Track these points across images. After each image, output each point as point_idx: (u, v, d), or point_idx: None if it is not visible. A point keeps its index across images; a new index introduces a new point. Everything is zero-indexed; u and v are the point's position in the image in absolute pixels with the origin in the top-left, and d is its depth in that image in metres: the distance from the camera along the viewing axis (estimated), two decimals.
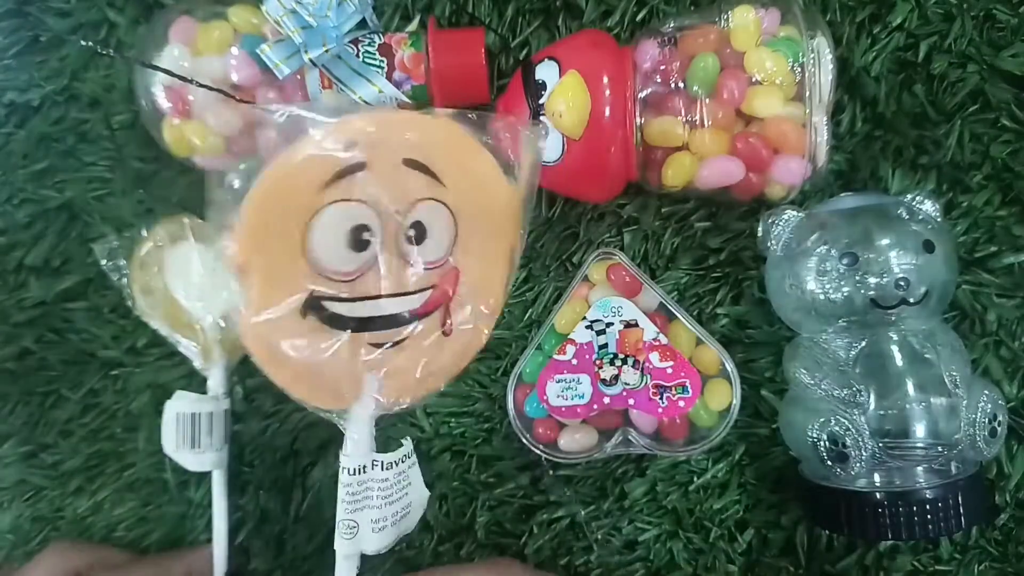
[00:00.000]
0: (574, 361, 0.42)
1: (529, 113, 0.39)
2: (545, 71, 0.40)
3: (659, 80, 0.39)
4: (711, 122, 0.38)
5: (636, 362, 0.41)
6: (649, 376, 0.41)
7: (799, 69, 0.37)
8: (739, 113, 0.38)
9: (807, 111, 0.37)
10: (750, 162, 0.38)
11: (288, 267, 0.29)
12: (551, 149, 0.39)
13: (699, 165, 0.39)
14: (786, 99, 0.37)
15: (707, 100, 0.38)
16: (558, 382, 0.42)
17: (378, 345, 0.31)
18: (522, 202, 0.35)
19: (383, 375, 0.31)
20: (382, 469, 0.31)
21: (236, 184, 0.27)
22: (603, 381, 0.41)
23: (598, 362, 0.42)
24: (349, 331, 0.30)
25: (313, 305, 0.30)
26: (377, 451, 0.32)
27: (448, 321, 0.33)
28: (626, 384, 0.41)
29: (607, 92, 0.38)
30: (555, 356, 0.42)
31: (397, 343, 0.31)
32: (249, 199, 0.28)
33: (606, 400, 0.41)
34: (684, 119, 0.38)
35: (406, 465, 0.32)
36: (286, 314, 0.29)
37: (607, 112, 0.38)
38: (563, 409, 0.42)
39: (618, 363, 0.42)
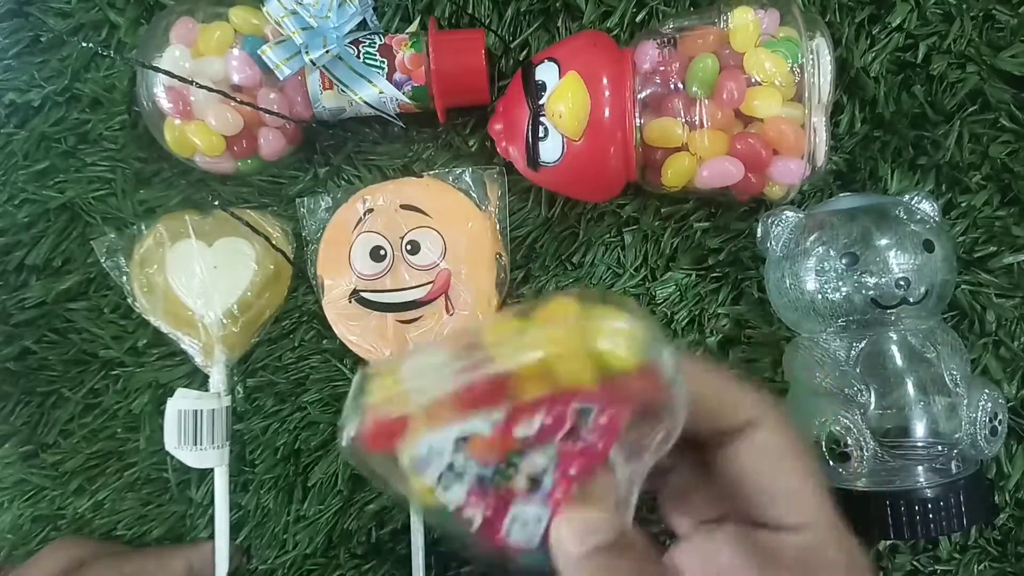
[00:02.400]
0: None
1: (529, 114, 0.39)
2: (545, 72, 0.39)
3: (658, 81, 0.39)
4: (710, 123, 0.38)
5: None
6: None
7: (798, 70, 0.37)
8: (738, 114, 0.38)
9: (806, 112, 0.37)
10: (749, 162, 0.38)
11: (341, 274, 0.46)
12: (551, 150, 0.39)
13: (698, 166, 0.39)
14: (785, 100, 0.38)
15: (706, 101, 0.38)
16: None
17: (403, 322, 0.45)
18: (495, 222, 0.46)
19: (413, 342, 0.45)
20: None
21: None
22: None
23: None
24: (380, 312, 0.46)
25: (355, 295, 0.45)
26: None
27: (450, 306, 0.45)
28: None
29: (607, 93, 0.38)
30: None
31: (415, 320, 0.45)
32: (322, 241, 0.46)
33: None
34: (683, 120, 0.38)
35: None
36: (341, 299, 0.46)
37: (607, 113, 0.38)
38: None
39: None
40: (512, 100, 0.41)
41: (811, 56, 0.37)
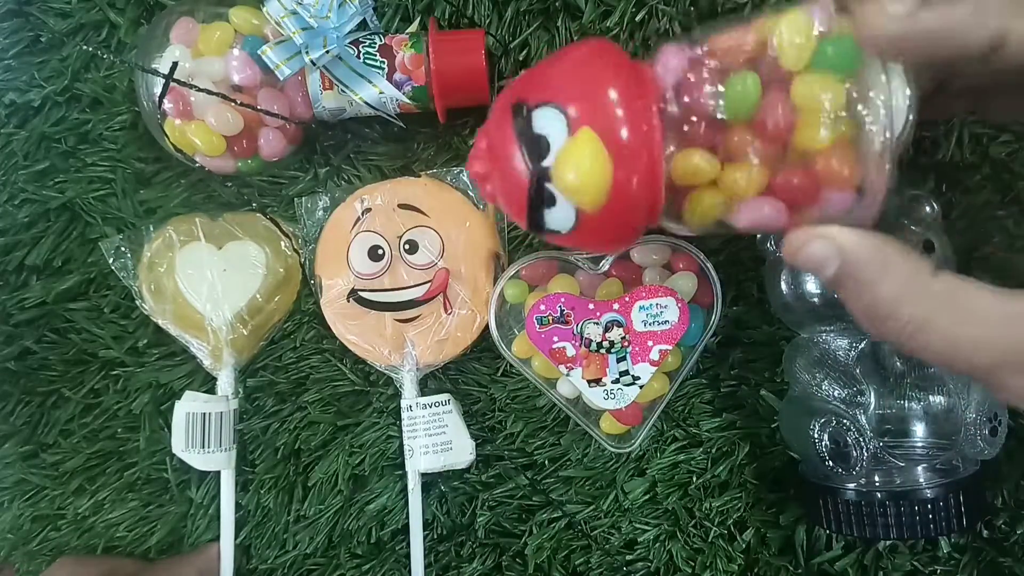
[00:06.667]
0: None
1: (529, 176, 0.30)
2: (547, 123, 0.30)
3: (686, 100, 0.30)
4: (749, 155, 0.29)
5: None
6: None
7: (855, 87, 0.28)
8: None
9: (866, 134, 0.28)
10: (792, 202, 0.30)
11: (339, 273, 0.46)
12: (560, 219, 0.31)
13: (734, 205, 0.30)
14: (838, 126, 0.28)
15: (744, 129, 0.29)
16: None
17: (402, 321, 0.45)
18: (493, 221, 0.46)
19: (411, 341, 0.45)
20: (423, 408, 0.45)
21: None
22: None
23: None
24: (379, 311, 0.46)
25: (354, 295, 0.46)
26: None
27: (448, 305, 0.45)
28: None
29: (634, 154, 0.29)
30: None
31: (413, 319, 0.45)
32: (320, 241, 0.47)
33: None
34: (712, 153, 0.30)
35: (441, 410, 0.45)
36: (339, 299, 0.46)
37: (635, 182, 0.29)
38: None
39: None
40: (500, 143, 0.31)
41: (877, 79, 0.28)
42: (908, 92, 0.29)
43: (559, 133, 0.30)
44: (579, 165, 0.29)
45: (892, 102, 0.28)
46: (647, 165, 0.29)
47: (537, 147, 0.30)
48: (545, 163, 0.30)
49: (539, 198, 0.31)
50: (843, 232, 0.29)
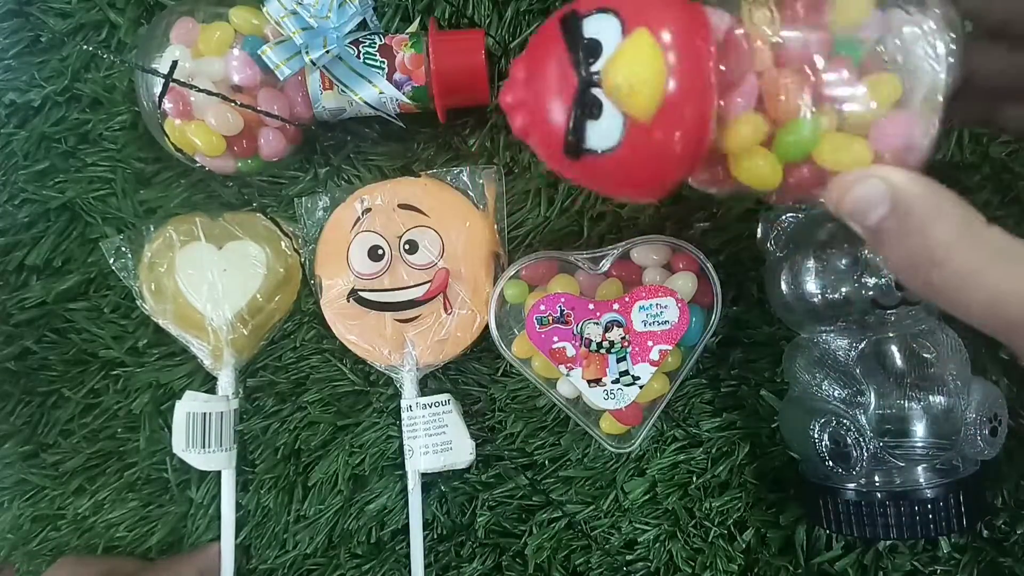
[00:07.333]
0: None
1: (575, 84, 0.28)
2: (599, 27, 0.28)
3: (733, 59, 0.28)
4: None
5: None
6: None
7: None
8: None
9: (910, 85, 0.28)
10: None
11: (339, 273, 0.46)
12: (604, 134, 0.28)
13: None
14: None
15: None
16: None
17: (402, 321, 0.46)
18: (493, 221, 0.46)
19: (411, 341, 0.45)
20: (423, 408, 0.45)
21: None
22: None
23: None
24: (379, 311, 0.46)
25: (353, 295, 0.46)
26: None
27: (448, 305, 0.45)
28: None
29: (689, 63, 0.27)
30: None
31: (413, 319, 0.46)
32: (320, 241, 0.47)
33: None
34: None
35: (441, 410, 0.45)
36: (339, 299, 0.46)
37: (690, 91, 0.27)
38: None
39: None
40: (540, 63, 0.29)
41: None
42: (952, 36, 0.28)
43: (612, 37, 0.28)
44: (632, 64, 0.27)
45: (936, 50, 0.28)
46: (702, 78, 0.28)
47: (587, 52, 0.28)
48: (595, 67, 0.28)
49: (584, 107, 0.28)
50: (897, 172, 0.27)
